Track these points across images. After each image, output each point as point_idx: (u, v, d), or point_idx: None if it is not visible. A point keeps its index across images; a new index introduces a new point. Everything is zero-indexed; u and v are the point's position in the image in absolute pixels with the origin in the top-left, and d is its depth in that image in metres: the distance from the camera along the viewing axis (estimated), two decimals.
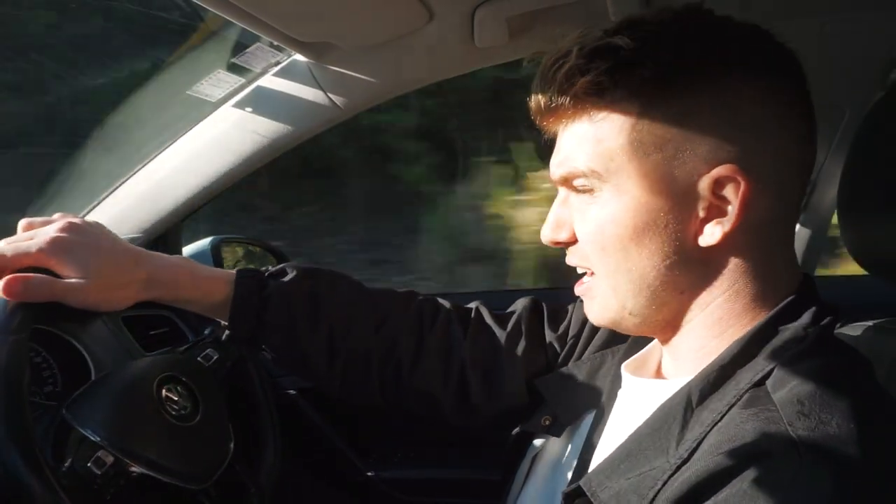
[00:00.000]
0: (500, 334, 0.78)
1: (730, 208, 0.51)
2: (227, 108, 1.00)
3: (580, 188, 0.56)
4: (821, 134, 0.56)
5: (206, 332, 0.79)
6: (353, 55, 0.92)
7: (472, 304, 0.82)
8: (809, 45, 0.55)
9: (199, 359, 0.74)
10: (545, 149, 0.60)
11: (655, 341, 0.65)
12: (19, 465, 0.53)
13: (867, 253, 0.64)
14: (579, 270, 0.61)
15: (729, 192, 0.51)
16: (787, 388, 0.48)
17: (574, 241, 0.59)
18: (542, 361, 0.77)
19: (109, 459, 0.59)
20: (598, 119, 0.53)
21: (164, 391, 0.67)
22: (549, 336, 0.78)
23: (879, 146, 0.62)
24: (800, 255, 1.08)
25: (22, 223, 0.67)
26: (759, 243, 0.54)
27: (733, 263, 0.54)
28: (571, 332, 0.77)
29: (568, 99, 0.53)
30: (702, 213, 0.52)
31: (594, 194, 0.55)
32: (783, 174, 0.53)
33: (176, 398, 0.68)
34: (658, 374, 0.63)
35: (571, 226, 0.58)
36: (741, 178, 0.50)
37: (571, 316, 0.78)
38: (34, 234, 0.65)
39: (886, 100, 0.64)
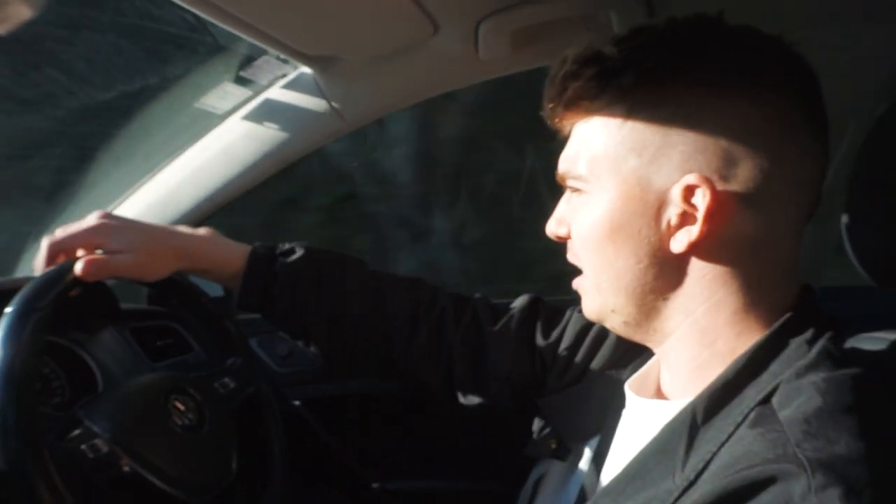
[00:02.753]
0: (490, 327, 0.80)
1: (698, 216, 0.51)
2: (235, 120, 1.01)
3: (573, 188, 0.59)
4: None
5: (229, 361, 0.82)
6: (359, 67, 0.93)
7: (474, 295, 0.84)
8: (813, 56, 0.55)
9: (215, 385, 0.77)
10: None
11: (655, 357, 0.64)
12: (16, 440, 0.55)
13: (874, 264, 0.63)
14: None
15: (698, 200, 0.51)
16: (792, 406, 0.47)
17: (571, 238, 0.61)
18: (529, 365, 0.77)
19: (104, 449, 0.61)
20: (589, 123, 0.56)
21: (172, 400, 0.69)
22: (540, 341, 0.78)
23: (885, 156, 0.62)
24: (804, 267, 1.08)
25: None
26: (744, 256, 0.53)
27: (711, 273, 0.53)
28: (563, 344, 0.76)
29: (562, 103, 0.57)
30: (674, 220, 0.53)
31: (582, 195, 0.58)
32: (769, 189, 0.52)
33: (183, 408, 0.69)
34: (658, 392, 0.62)
35: (570, 223, 0.61)
36: (707, 188, 0.50)
37: (566, 326, 0.78)
38: (80, 223, 0.73)
39: (892, 110, 0.64)
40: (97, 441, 0.61)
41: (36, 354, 0.61)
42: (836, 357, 0.52)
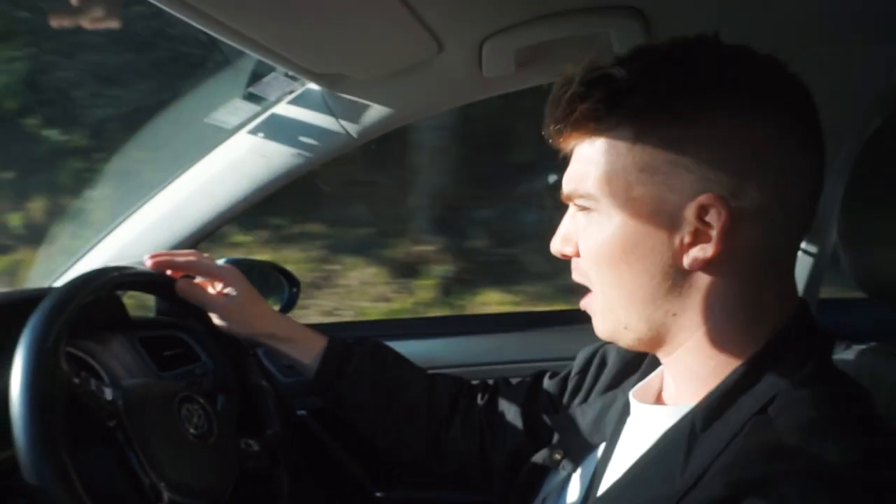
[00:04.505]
0: (505, 390, 0.88)
1: (713, 233, 0.52)
2: (243, 134, 1.03)
3: (580, 207, 0.59)
4: None
5: (269, 432, 0.85)
6: (366, 85, 0.95)
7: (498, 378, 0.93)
8: (808, 75, 0.56)
9: (241, 441, 0.79)
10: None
11: (660, 368, 0.66)
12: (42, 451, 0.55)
13: (867, 277, 0.65)
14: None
15: (712, 219, 0.52)
16: (788, 416, 0.49)
17: (578, 256, 0.61)
18: (539, 407, 0.84)
19: (108, 397, 0.63)
20: (596, 144, 0.56)
21: (184, 406, 0.71)
22: (547, 385, 0.85)
23: (878, 173, 0.64)
24: (803, 281, 1.09)
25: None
26: (751, 270, 0.54)
27: (723, 288, 0.54)
28: (573, 374, 0.82)
29: (569, 124, 0.57)
30: (687, 238, 0.53)
31: (591, 214, 0.58)
32: (777, 206, 0.53)
33: (195, 416, 0.71)
34: (659, 399, 0.64)
35: (576, 241, 0.61)
36: (721, 207, 0.51)
37: (571, 366, 0.83)
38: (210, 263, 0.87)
39: (884, 127, 0.66)
40: (105, 388, 0.63)
41: (83, 308, 0.64)
42: (830, 370, 0.53)
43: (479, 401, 0.88)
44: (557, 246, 0.63)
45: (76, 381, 0.61)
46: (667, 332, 0.57)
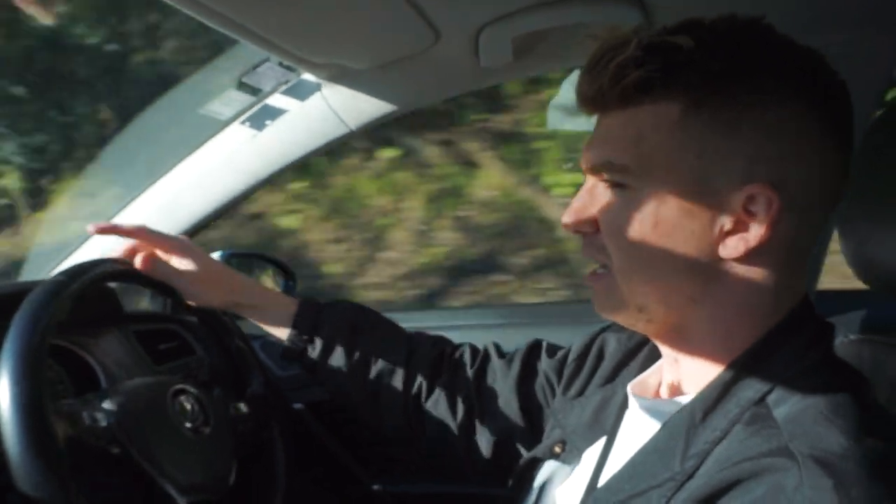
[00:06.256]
0: (498, 363, 0.84)
1: (756, 225, 0.51)
2: (237, 125, 1.02)
3: (611, 181, 0.55)
4: None
5: (250, 389, 0.85)
6: (362, 74, 0.94)
7: (488, 343, 0.89)
8: None
9: (230, 406, 0.79)
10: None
11: (660, 361, 0.65)
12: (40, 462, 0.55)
13: (868, 268, 0.65)
14: (593, 262, 0.59)
15: (759, 208, 0.50)
16: (787, 405, 0.49)
17: (594, 232, 0.57)
18: (535, 387, 0.81)
19: (102, 423, 0.63)
20: (642, 115, 0.52)
21: (178, 400, 0.71)
22: (545, 364, 0.82)
23: (877, 163, 0.63)
24: None
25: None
26: (777, 263, 0.53)
27: (750, 279, 0.53)
28: (570, 359, 0.79)
29: (617, 90, 0.52)
30: (728, 226, 0.51)
31: (624, 189, 0.54)
32: (811, 199, 0.52)
33: (189, 409, 0.71)
34: (658, 393, 0.63)
35: (595, 215, 0.56)
36: (774, 197, 0.50)
37: (569, 350, 0.81)
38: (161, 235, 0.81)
39: (884, 118, 0.65)
40: (99, 415, 0.63)
41: (62, 310, 0.64)
42: (831, 360, 0.53)
43: (469, 370, 0.84)
44: (571, 220, 0.57)
45: (65, 404, 0.61)
46: (681, 317, 0.56)
